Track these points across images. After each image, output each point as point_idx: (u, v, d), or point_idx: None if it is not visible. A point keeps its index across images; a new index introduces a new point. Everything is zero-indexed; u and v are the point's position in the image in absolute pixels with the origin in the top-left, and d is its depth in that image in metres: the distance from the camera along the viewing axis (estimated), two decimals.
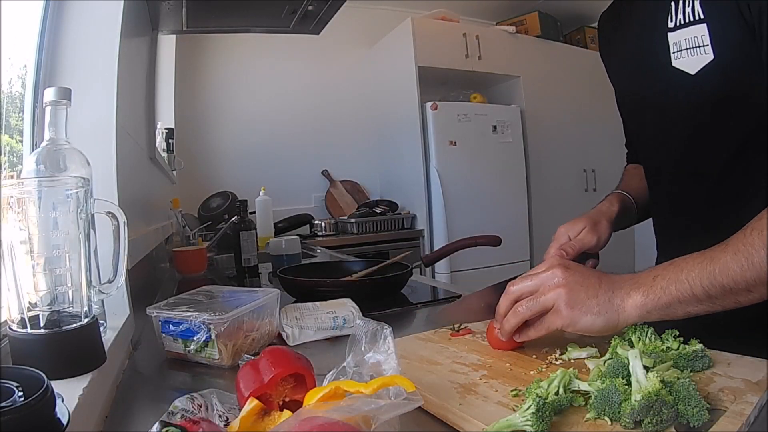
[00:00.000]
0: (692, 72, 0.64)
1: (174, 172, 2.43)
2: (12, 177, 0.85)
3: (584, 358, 0.57)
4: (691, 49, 0.63)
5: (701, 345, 0.54)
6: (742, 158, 0.65)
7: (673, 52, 0.65)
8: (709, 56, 0.61)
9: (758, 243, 0.50)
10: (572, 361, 0.58)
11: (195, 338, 0.67)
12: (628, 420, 0.41)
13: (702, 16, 0.61)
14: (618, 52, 0.83)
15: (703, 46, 0.62)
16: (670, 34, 0.65)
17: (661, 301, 0.53)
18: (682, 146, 0.72)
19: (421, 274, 1.98)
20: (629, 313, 0.55)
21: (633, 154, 0.96)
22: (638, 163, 0.92)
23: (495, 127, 3.10)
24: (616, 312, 0.55)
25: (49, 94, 0.58)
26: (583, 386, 0.47)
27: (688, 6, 0.62)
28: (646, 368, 0.46)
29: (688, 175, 0.73)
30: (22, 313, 0.50)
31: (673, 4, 0.64)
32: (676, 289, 0.53)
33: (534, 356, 0.60)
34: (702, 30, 0.61)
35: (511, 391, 0.49)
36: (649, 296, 0.54)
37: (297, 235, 2.34)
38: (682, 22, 0.63)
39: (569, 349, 0.59)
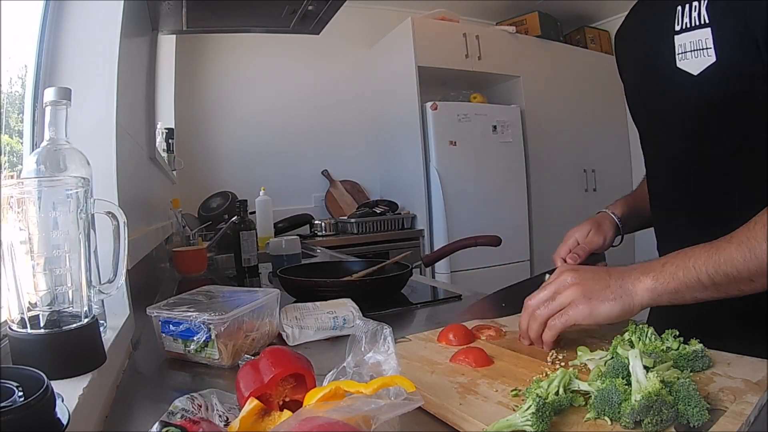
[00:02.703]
0: (695, 73, 0.65)
1: (174, 172, 2.43)
2: (12, 177, 0.85)
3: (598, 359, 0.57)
4: (695, 51, 0.65)
5: (701, 345, 0.54)
6: (741, 157, 0.66)
7: (678, 54, 0.67)
8: (712, 59, 0.63)
9: (761, 236, 0.52)
10: (580, 363, 0.57)
11: (195, 338, 0.67)
12: (628, 420, 0.41)
13: (707, 21, 0.63)
14: (628, 58, 0.86)
15: (707, 48, 0.63)
16: (676, 37, 0.67)
17: (670, 286, 0.56)
18: (683, 143, 0.73)
19: (421, 274, 1.98)
20: (641, 296, 0.58)
21: None
22: None
23: (495, 127, 3.10)
24: (630, 296, 0.58)
25: (49, 94, 0.58)
26: (583, 386, 0.47)
27: (695, 11, 0.64)
28: (646, 368, 0.45)
29: (688, 173, 0.74)
30: (22, 313, 0.50)
31: (679, 8, 0.66)
32: (683, 274, 0.56)
33: (535, 356, 0.60)
34: (706, 34, 0.63)
35: (511, 391, 0.49)
36: (659, 280, 0.57)
37: (297, 235, 2.34)
38: (688, 25, 0.65)
39: (579, 353, 0.59)
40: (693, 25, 0.65)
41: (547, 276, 0.71)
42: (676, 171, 0.76)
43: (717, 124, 0.67)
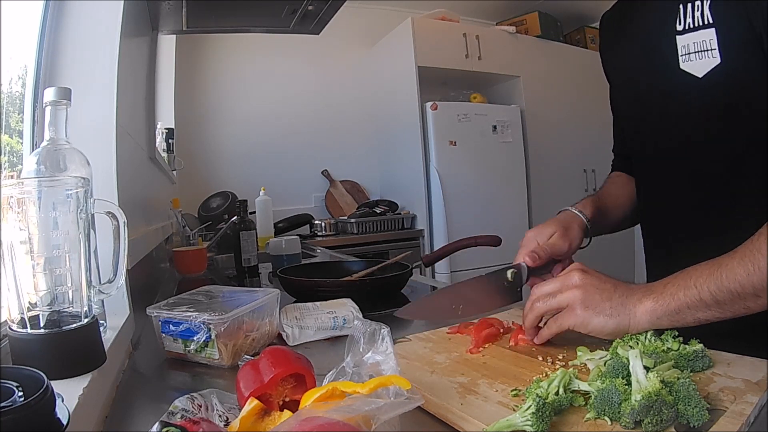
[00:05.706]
0: (699, 75, 0.64)
1: (174, 172, 2.43)
2: (12, 177, 0.85)
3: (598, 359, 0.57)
4: (699, 52, 0.64)
5: (701, 345, 0.54)
6: (742, 165, 0.65)
7: (681, 55, 0.66)
8: (716, 60, 0.62)
9: (765, 248, 0.50)
10: (580, 363, 0.57)
11: (195, 338, 0.67)
12: (628, 420, 0.41)
13: (711, 21, 0.62)
14: (622, 52, 0.83)
15: (711, 50, 0.62)
16: (678, 37, 0.66)
17: (670, 307, 0.54)
18: (684, 148, 0.72)
19: (421, 274, 1.98)
20: (640, 319, 0.56)
21: (620, 161, 0.96)
22: (624, 171, 0.93)
23: (495, 127, 3.10)
24: (628, 316, 0.56)
25: (49, 94, 0.58)
26: (583, 386, 0.47)
27: (698, 11, 0.63)
28: (647, 368, 0.45)
29: (688, 179, 0.73)
30: (22, 313, 0.50)
31: (681, 7, 0.65)
32: (684, 294, 0.54)
33: (535, 356, 0.60)
34: (710, 34, 0.62)
35: (511, 391, 0.49)
36: (659, 302, 0.55)
37: (297, 235, 2.34)
38: (691, 26, 0.64)
39: (579, 353, 0.59)
40: (696, 25, 0.63)
41: (509, 273, 0.70)
42: (675, 177, 0.75)
43: (720, 129, 0.66)
